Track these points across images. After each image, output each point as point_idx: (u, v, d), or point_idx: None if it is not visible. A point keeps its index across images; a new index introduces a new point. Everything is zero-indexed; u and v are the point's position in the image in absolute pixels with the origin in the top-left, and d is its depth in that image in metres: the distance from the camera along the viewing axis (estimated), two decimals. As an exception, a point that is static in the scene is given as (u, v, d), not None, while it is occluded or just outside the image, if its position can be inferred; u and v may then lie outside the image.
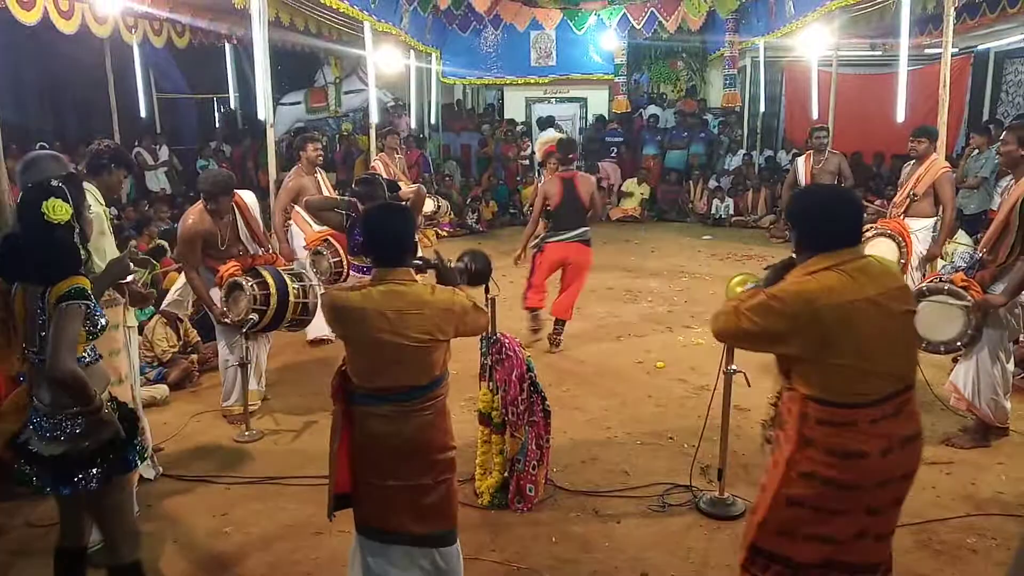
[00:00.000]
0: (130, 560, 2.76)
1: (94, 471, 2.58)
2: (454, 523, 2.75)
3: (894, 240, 5.67)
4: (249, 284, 4.55)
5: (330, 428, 2.72)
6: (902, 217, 5.95)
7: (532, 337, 6.26)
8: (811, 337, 2.30)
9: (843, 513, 2.38)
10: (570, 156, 6.45)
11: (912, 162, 6.09)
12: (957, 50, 11.25)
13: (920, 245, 5.80)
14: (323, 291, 4.96)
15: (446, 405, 2.74)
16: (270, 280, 4.62)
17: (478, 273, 3.07)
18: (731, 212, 12.43)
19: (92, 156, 3.71)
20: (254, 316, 4.54)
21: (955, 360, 4.61)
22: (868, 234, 5.66)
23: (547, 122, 12.44)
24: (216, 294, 4.72)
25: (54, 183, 2.70)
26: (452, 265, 2.91)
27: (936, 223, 5.88)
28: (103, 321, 2.64)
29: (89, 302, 2.54)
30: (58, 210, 2.58)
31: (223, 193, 4.58)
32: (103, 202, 3.68)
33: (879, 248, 5.63)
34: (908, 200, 5.94)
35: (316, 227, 5.83)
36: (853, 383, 2.32)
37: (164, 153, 11.88)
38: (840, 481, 2.36)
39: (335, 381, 2.69)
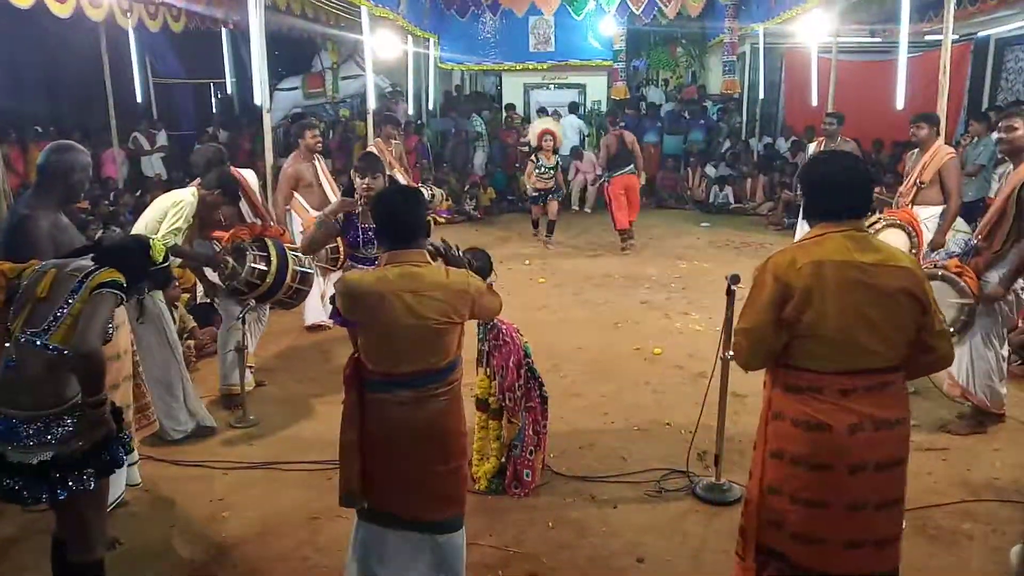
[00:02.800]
0: (100, 556, 2.73)
1: (88, 471, 2.55)
2: (461, 509, 2.72)
3: (904, 230, 5.50)
4: (252, 255, 4.56)
5: (342, 418, 2.66)
6: (910, 206, 5.80)
7: (624, 247, 9.49)
8: (796, 295, 2.32)
9: (821, 506, 2.35)
10: (617, 120, 9.99)
11: (916, 150, 5.99)
12: (957, 37, 11.19)
13: (930, 234, 5.65)
14: (317, 273, 4.98)
15: (460, 390, 2.72)
16: (273, 253, 4.61)
17: (478, 270, 3.07)
18: (729, 200, 12.41)
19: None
20: (260, 267, 4.53)
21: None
22: (877, 225, 5.56)
23: (572, 107, 13.07)
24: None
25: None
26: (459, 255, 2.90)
27: (944, 211, 5.73)
28: (111, 328, 2.68)
29: (123, 294, 2.65)
30: (157, 251, 3.01)
31: (218, 168, 4.63)
32: None
33: (890, 239, 5.52)
34: (915, 189, 5.81)
35: (313, 213, 5.83)
36: (825, 346, 2.32)
37: (162, 138, 11.82)
38: (807, 459, 2.34)
39: (348, 369, 2.65)
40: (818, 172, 2.53)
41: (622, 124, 10.16)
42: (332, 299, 4.15)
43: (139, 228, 4.36)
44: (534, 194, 9.78)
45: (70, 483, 2.51)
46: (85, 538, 2.68)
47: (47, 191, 3.26)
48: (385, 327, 2.52)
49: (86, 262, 2.70)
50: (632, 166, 9.45)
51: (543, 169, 9.56)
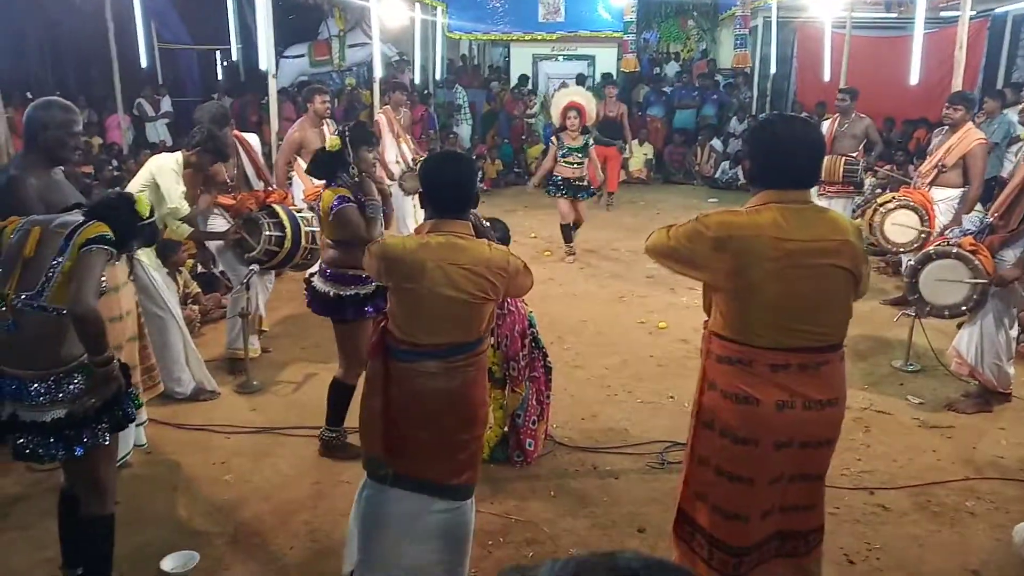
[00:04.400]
0: (111, 511, 2.74)
1: (103, 426, 2.54)
2: (475, 478, 2.68)
3: (917, 212, 5.36)
4: (266, 223, 4.55)
5: (366, 383, 2.62)
6: (928, 188, 5.62)
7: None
8: (727, 266, 2.25)
9: (745, 482, 2.30)
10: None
11: (944, 129, 5.74)
12: (975, 13, 11.00)
13: (943, 217, 5.47)
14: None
15: (485, 361, 2.68)
16: (285, 219, 4.60)
17: (499, 241, 3.02)
18: (738, 176, 12.30)
19: None
20: (276, 234, 4.53)
21: (959, 326, 4.58)
22: (890, 205, 5.45)
23: (579, 79, 12.60)
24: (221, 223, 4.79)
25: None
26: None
27: (962, 195, 5.53)
28: (104, 285, 2.63)
29: (113, 249, 2.58)
30: (143, 205, 2.84)
31: (222, 125, 4.64)
32: None
33: (901, 220, 5.40)
34: (936, 171, 5.59)
35: (317, 181, 5.77)
36: (760, 322, 2.25)
37: (167, 104, 11.73)
38: (735, 432, 2.29)
39: (375, 337, 2.59)
40: (766, 136, 2.37)
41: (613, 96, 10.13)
42: (306, 282, 4.13)
43: None
44: (559, 183, 7.46)
45: (85, 439, 2.51)
46: (100, 492, 2.69)
47: (30, 149, 3.20)
48: (421, 296, 2.44)
49: (71, 217, 2.62)
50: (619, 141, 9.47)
51: (567, 151, 7.39)
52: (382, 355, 2.55)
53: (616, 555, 0.74)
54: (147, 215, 2.85)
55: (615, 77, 13.71)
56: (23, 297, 2.49)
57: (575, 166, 7.40)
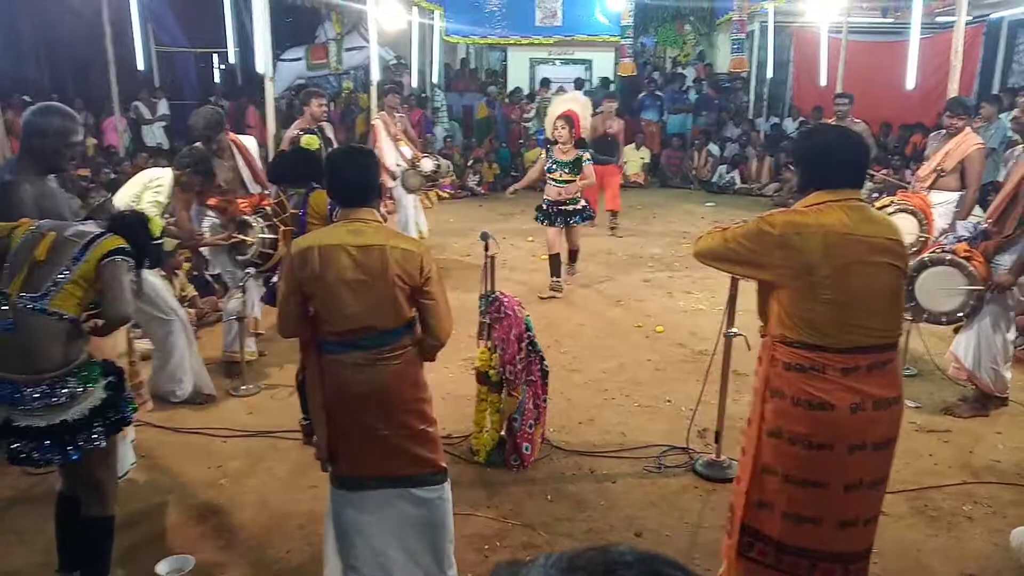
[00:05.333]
0: (112, 513, 2.75)
1: (100, 429, 2.55)
2: (437, 465, 2.68)
3: (915, 216, 5.37)
4: (259, 226, 4.54)
5: (308, 383, 2.68)
6: (926, 192, 5.60)
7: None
8: (796, 264, 2.28)
9: (819, 486, 2.32)
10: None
11: (940, 134, 5.78)
12: (971, 18, 11.04)
13: (941, 220, 5.43)
14: None
15: (416, 356, 2.65)
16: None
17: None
18: (735, 180, 12.32)
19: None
20: (270, 237, 4.51)
21: (956, 331, 4.59)
22: (889, 209, 5.46)
23: (577, 84, 12.45)
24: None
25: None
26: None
27: (960, 199, 5.54)
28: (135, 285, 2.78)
29: (133, 262, 2.69)
30: (156, 225, 2.97)
31: (217, 130, 4.64)
32: None
33: (898, 224, 5.38)
34: (935, 175, 5.61)
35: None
36: (828, 322, 2.29)
37: (164, 107, 11.72)
38: (808, 438, 2.31)
39: (307, 332, 2.61)
40: (813, 141, 2.50)
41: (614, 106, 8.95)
42: (266, 282, 4.14)
43: (118, 204, 4.31)
44: (546, 207, 6.42)
45: (81, 443, 2.51)
46: (101, 493, 2.71)
47: (27, 154, 3.13)
48: (331, 281, 2.49)
49: (87, 227, 2.67)
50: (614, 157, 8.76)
51: (554, 166, 6.29)
52: (315, 350, 2.60)
53: (609, 548, 0.74)
54: (158, 235, 2.94)
55: (612, 82, 13.71)
56: (26, 298, 2.50)
57: (562, 184, 6.27)
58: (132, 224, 2.83)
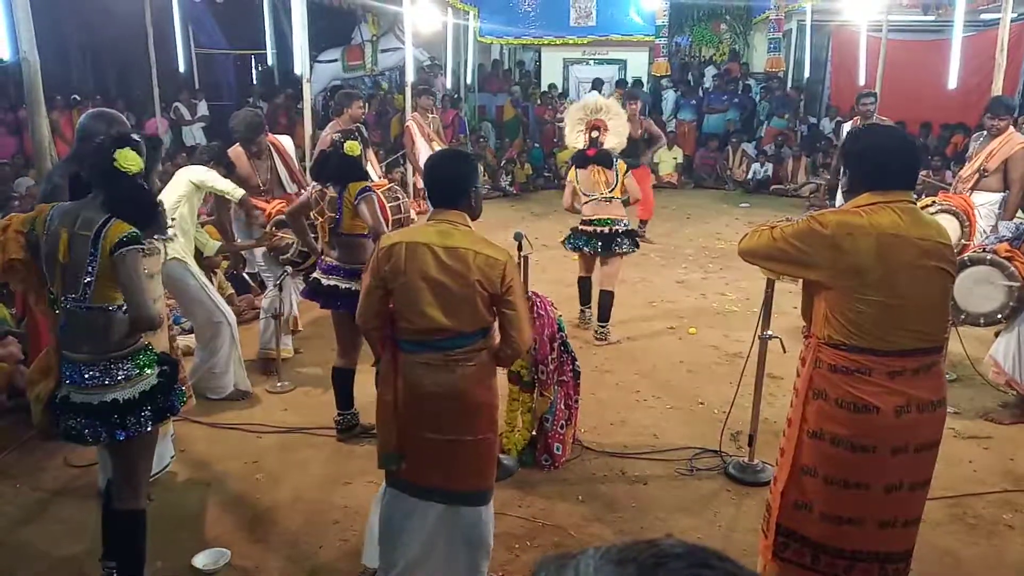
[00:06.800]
0: (142, 506, 2.80)
1: (146, 413, 2.63)
2: (489, 483, 2.70)
3: (958, 217, 5.27)
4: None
5: (380, 378, 2.70)
6: (969, 193, 5.51)
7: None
8: (846, 265, 2.27)
9: (860, 487, 2.31)
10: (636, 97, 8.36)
11: (982, 134, 5.71)
12: (1016, 15, 10.78)
13: (983, 221, 5.36)
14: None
15: (491, 363, 2.67)
16: None
17: None
18: (769, 175, 12.16)
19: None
20: (298, 258, 4.62)
21: (996, 334, 4.49)
22: (931, 209, 5.36)
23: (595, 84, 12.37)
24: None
25: (135, 136, 2.76)
26: None
27: (1003, 199, 5.47)
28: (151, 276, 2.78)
29: (144, 245, 2.63)
30: (129, 160, 2.63)
31: (257, 132, 4.74)
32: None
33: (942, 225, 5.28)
34: (977, 175, 5.53)
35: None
36: (877, 324, 2.27)
37: (203, 108, 11.93)
38: (851, 440, 2.30)
39: (385, 328, 2.64)
40: (865, 142, 2.47)
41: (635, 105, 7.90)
42: (305, 278, 4.21)
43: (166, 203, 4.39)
44: (578, 231, 5.49)
45: (128, 424, 2.60)
46: (134, 485, 2.76)
47: (78, 158, 3.20)
48: (413, 278, 2.52)
49: (91, 213, 2.60)
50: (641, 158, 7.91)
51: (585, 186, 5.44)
52: (391, 346, 2.64)
53: (658, 541, 0.76)
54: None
55: (643, 83, 13.59)
56: (70, 299, 2.60)
57: (600, 204, 5.39)
58: (126, 199, 2.66)
